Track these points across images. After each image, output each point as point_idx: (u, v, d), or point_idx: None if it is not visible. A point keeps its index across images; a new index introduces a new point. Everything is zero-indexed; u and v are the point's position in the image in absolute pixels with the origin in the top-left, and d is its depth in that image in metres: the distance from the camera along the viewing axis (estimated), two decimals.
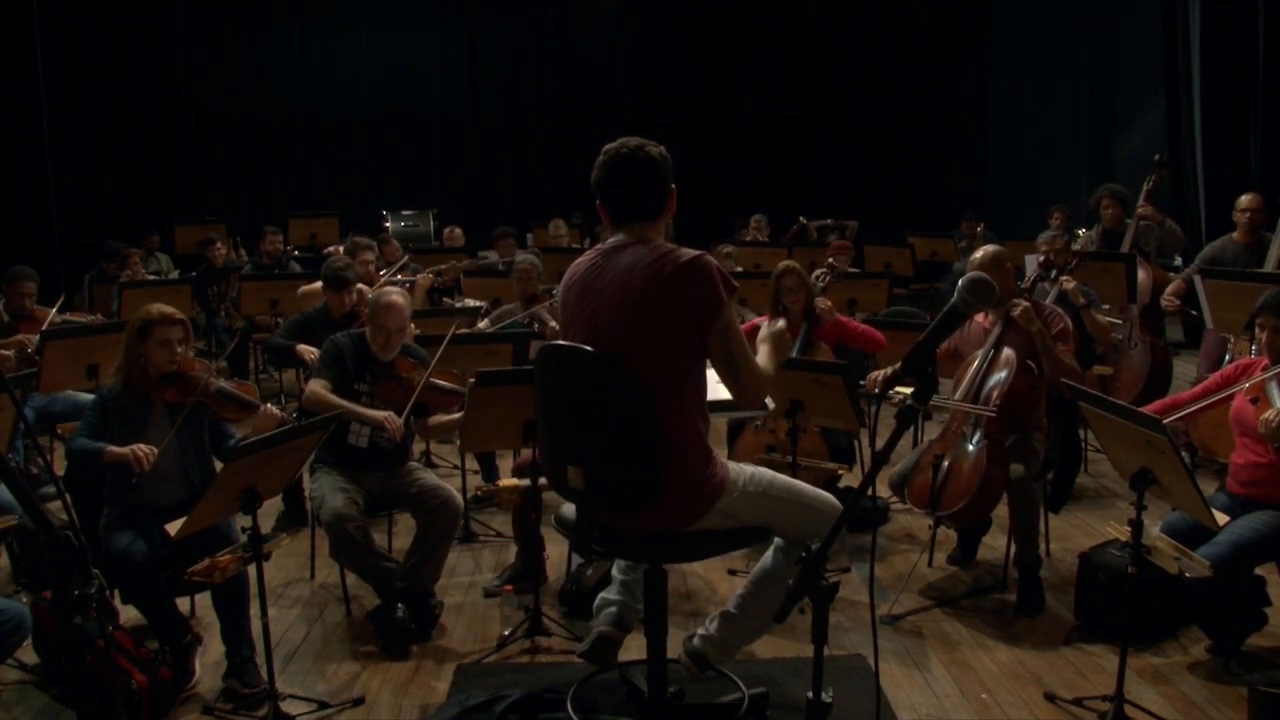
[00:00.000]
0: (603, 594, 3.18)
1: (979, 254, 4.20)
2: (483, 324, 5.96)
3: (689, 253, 2.56)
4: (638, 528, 2.67)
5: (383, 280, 6.54)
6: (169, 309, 3.59)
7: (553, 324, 5.62)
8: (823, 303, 4.78)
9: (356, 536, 3.67)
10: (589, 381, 2.59)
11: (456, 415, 4.05)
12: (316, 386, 3.92)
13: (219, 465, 3.48)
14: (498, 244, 8.71)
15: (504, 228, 8.91)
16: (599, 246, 2.74)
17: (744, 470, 2.78)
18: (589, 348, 2.58)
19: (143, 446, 3.36)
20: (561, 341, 2.69)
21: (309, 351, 4.94)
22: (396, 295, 4.05)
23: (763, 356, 2.77)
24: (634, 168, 2.61)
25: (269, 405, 3.59)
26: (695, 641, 2.97)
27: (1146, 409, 3.72)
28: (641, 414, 2.51)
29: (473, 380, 3.93)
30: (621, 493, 2.60)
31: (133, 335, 3.55)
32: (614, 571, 3.20)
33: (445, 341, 4.32)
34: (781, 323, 3.00)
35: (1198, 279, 5.11)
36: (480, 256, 8.91)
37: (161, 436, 3.49)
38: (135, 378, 3.53)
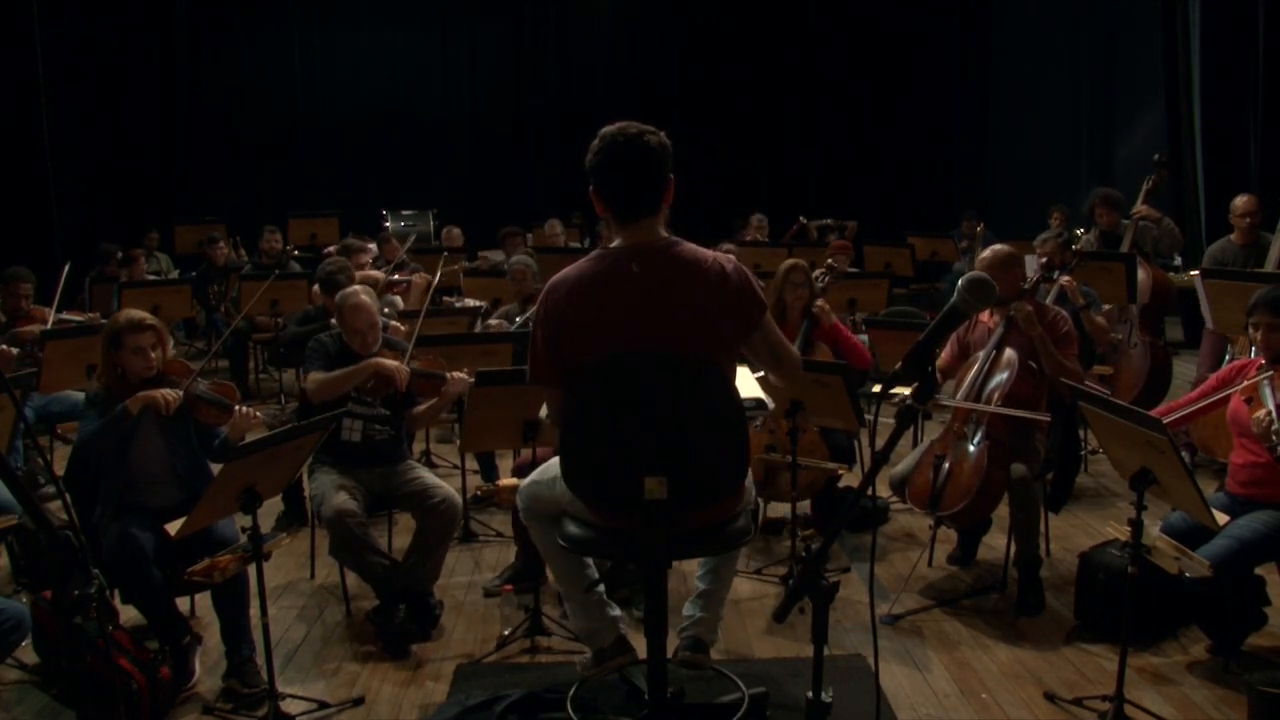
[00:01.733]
0: (581, 625, 3.04)
1: (988, 253, 4.18)
2: (492, 322, 5.98)
3: (724, 258, 2.61)
4: (708, 522, 2.67)
5: (381, 279, 6.55)
6: (138, 314, 3.54)
7: None
8: (821, 304, 4.78)
9: (357, 533, 3.67)
10: (683, 386, 2.52)
11: (434, 402, 4.08)
12: (315, 375, 3.93)
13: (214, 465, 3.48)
14: (505, 242, 8.74)
15: (511, 227, 8.94)
16: (605, 252, 2.61)
17: None
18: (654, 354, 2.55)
19: (167, 391, 3.36)
20: (623, 351, 2.53)
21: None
22: (362, 295, 4.05)
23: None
24: (636, 156, 2.52)
25: (244, 407, 3.55)
26: (689, 634, 3.03)
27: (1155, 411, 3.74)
28: (736, 409, 2.56)
29: (473, 380, 3.93)
30: (711, 489, 2.59)
31: (105, 345, 3.51)
32: (570, 602, 3.06)
33: (419, 321, 4.32)
34: None
35: (1198, 279, 5.12)
36: (480, 257, 8.92)
37: (148, 442, 3.48)
38: (116, 387, 3.49)
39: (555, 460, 2.77)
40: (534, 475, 2.99)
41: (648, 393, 2.52)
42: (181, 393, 3.39)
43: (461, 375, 4.05)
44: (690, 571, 4.24)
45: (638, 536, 2.60)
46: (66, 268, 6.13)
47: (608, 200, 2.58)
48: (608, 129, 2.56)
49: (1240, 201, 5.77)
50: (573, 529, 2.74)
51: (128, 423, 3.36)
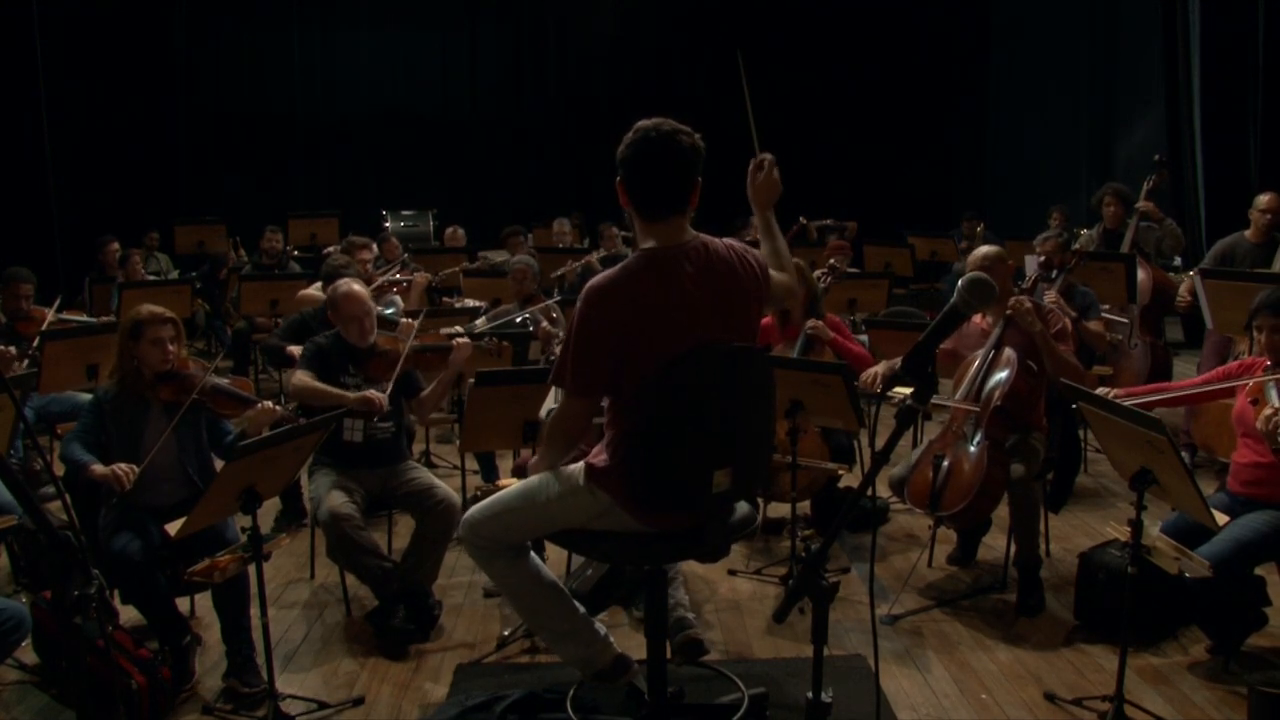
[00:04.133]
0: (573, 653, 2.90)
1: (975, 255, 4.20)
2: (479, 322, 5.96)
3: (739, 246, 2.66)
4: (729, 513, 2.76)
5: (380, 279, 6.55)
6: (159, 308, 3.60)
7: (545, 325, 5.62)
8: (815, 325, 4.65)
9: (353, 536, 3.66)
10: (750, 375, 2.61)
11: (442, 375, 4.07)
12: (302, 375, 3.92)
13: (218, 462, 3.49)
14: (508, 242, 8.75)
15: (513, 226, 8.95)
16: (650, 254, 2.53)
17: None
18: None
19: (123, 466, 3.35)
20: (713, 346, 2.53)
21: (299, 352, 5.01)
22: (352, 283, 4.07)
23: (768, 239, 2.93)
24: (667, 154, 2.50)
25: (266, 401, 3.59)
26: (689, 629, 3.12)
27: (1142, 388, 3.77)
28: (773, 395, 2.75)
29: (472, 380, 3.93)
30: (758, 475, 2.75)
31: (125, 336, 3.55)
32: (551, 631, 2.91)
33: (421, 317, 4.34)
34: (769, 157, 2.99)
35: (1198, 279, 5.11)
36: (481, 257, 8.93)
37: (159, 436, 3.49)
38: (130, 379, 3.54)
39: (538, 481, 2.71)
40: (493, 508, 2.78)
41: (725, 385, 2.55)
42: (139, 469, 3.38)
43: (464, 341, 4.08)
44: (691, 573, 4.25)
45: (703, 532, 2.65)
46: (57, 300, 6.11)
47: (634, 195, 2.56)
48: (644, 122, 2.53)
49: (1265, 199, 5.69)
50: (603, 543, 2.68)
51: (83, 476, 3.39)
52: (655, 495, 2.56)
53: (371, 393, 3.86)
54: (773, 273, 2.76)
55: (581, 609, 2.91)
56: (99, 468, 3.36)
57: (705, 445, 2.54)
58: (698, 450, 2.54)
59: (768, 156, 2.87)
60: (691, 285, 2.51)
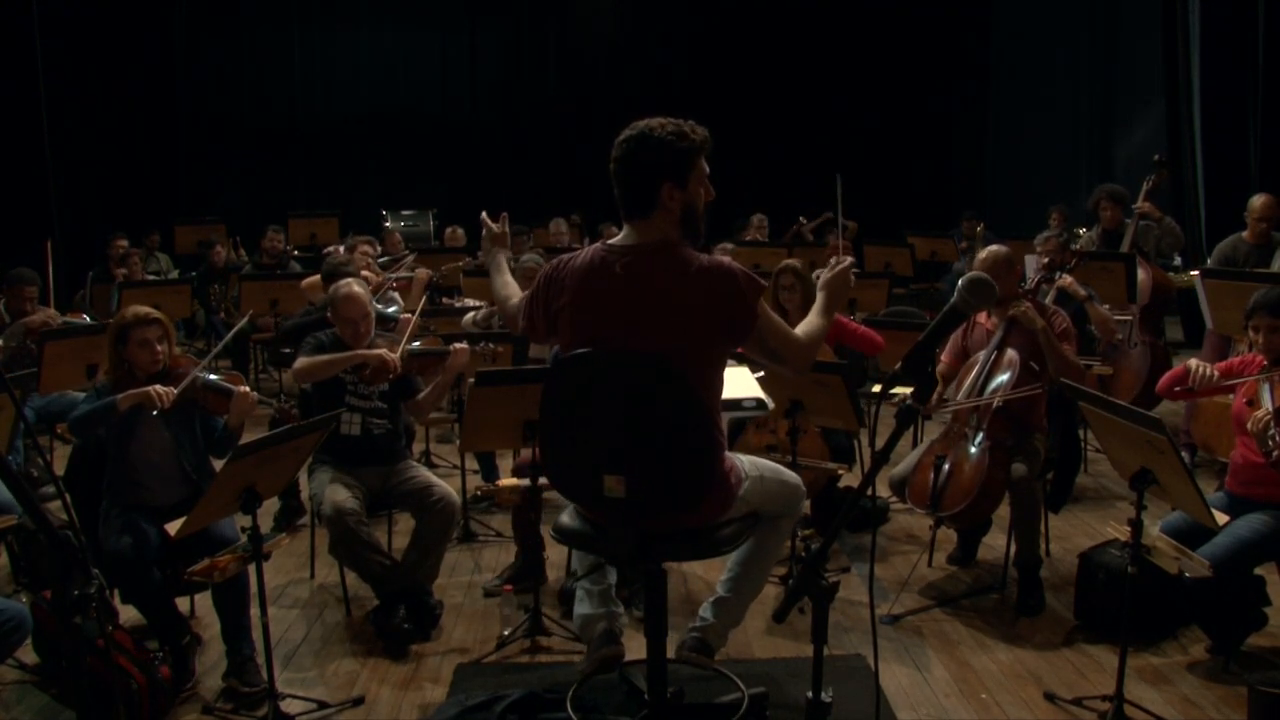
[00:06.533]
0: (581, 610, 3.05)
1: (984, 254, 4.19)
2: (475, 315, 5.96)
3: (718, 264, 2.56)
4: (682, 527, 2.64)
5: (382, 277, 6.55)
6: (144, 309, 3.57)
7: None
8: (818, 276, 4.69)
9: (357, 531, 3.67)
10: (642, 386, 2.48)
11: (438, 380, 4.07)
12: (303, 359, 3.91)
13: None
14: (511, 242, 8.76)
15: (516, 226, 8.95)
16: (601, 247, 2.64)
17: (740, 458, 2.84)
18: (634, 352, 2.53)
19: (159, 386, 3.36)
20: (585, 350, 2.54)
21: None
22: (355, 285, 4.06)
23: (813, 315, 2.78)
24: (618, 158, 2.57)
25: (243, 388, 3.54)
26: (695, 634, 3.04)
27: (1168, 375, 3.80)
28: (698, 414, 2.50)
29: (472, 380, 3.93)
30: (676, 494, 2.54)
31: (113, 340, 3.54)
32: (583, 584, 3.06)
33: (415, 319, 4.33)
34: (850, 260, 2.93)
35: (1198, 279, 5.12)
36: (479, 257, 8.92)
37: (155, 435, 3.50)
38: (124, 381, 3.51)
39: None
40: None
41: (608, 390, 2.52)
42: (177, 391, 3.38)
43: (463, 346, 4.07)
44: (691, 573, 4.26)
45: (608, 533, 2.65)
46: (49, 245, 6.12)
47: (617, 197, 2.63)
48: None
49: (1258, 203, 5.72)
50: (565, 519, 2.79)
51: (114, 416, 3.36)
52: (556, 483, 2.74)
53: (385, 352, 3.89)
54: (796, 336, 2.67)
55: (612, 578, 3.08)
56: (128, 393, 3.35)
57: (590, 446, 2.54)
58: (574, 446, 2.60)
59: (849, 259, 2.93)
60: (612, 284, 2.55)
